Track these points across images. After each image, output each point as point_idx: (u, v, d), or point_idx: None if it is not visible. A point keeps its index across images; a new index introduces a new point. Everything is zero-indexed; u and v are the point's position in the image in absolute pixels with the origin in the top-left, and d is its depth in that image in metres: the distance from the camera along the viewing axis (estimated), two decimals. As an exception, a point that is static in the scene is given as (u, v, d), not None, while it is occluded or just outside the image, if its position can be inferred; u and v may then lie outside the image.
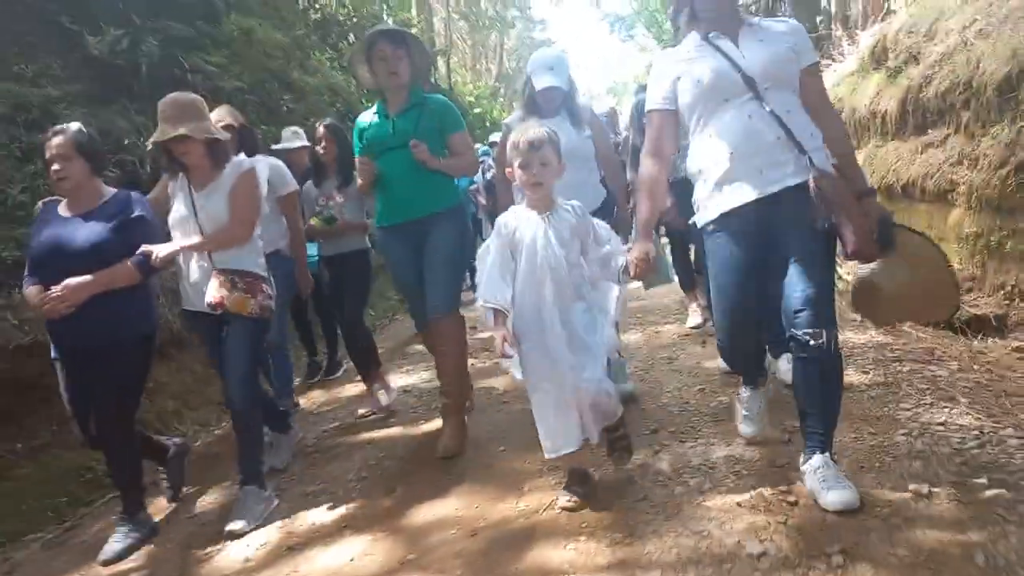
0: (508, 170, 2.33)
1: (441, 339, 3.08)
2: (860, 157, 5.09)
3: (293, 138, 4.43)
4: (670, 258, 4.21)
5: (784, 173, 2.06)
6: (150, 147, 2.87)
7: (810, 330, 1.96)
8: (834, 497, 1.92)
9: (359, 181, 3.20)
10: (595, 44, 61.95)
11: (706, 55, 2.15)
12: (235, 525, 2.58)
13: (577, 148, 2.96)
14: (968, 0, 5.18)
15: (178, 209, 2.77)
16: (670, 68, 2.25)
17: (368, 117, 3.13)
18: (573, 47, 52.87)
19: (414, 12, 15.23)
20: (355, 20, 11.47)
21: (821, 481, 1.98)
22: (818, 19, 11.65)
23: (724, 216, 2.14)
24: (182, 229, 2.75)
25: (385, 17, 13.34)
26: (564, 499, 2.28)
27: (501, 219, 2.33)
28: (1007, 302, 3.82)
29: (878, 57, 6.19)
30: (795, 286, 2.01)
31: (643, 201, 2.30)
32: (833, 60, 8.09)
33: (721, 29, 2.17)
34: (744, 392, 2.52)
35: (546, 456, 2.26)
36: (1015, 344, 3.32)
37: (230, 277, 2.70)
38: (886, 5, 8.71)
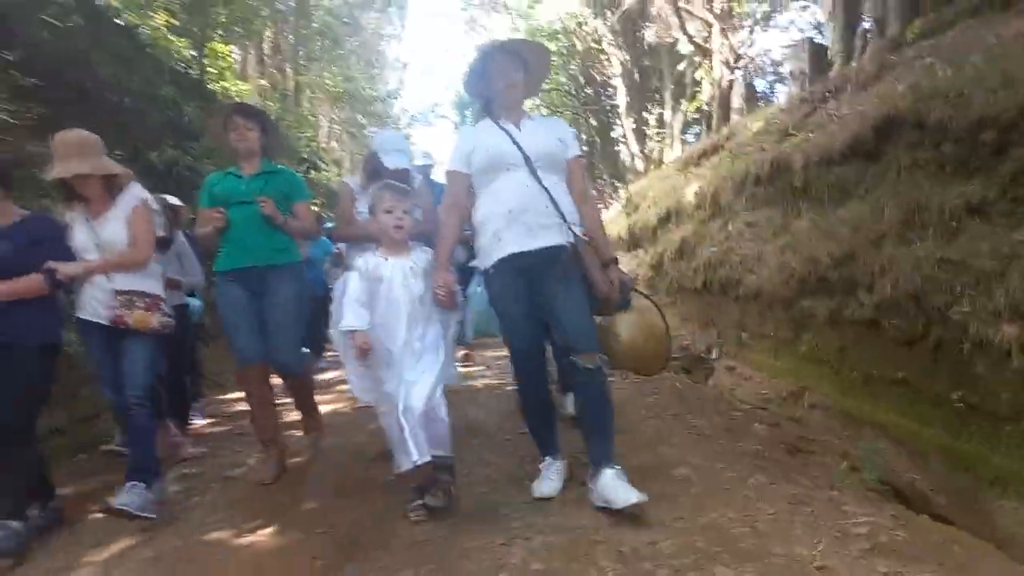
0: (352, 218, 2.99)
1: (297, 388, 3.50)
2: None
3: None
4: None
5: (550, 233, 2.46)
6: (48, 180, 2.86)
7: (584, 354, 2.39)
8: (629, 497, 2.21)
9: (202, 230, 3.26)
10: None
11: (495, 134, 2.56)
12: (120, 500, 2.64)
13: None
14: (660, 178, 9.63)
15: (79, 236, 2.87)
16: (468, 141, 2.62)
17: (219, 177, 3.32)
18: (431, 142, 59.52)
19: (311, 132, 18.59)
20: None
21: (615, 490, 2.26)
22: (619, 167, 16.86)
23: (501, 261, 2.49)
24: (84, 254, 2.85)
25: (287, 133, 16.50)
26: (413, 514, 2.48)
27: (361, 261, 2.59)
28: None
29: (626, 203, 10.55)
30: (567, 324, 2.43)
31: (441, 240, 2.62)
32: (614, 202, 12.62)
33: (508, 117, 2.60)
34: (544, 463, 2.70)
35: (395, 471, 2.47)
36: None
37: (129, 297, 2.83)
38: (651, 163, 13.64)
